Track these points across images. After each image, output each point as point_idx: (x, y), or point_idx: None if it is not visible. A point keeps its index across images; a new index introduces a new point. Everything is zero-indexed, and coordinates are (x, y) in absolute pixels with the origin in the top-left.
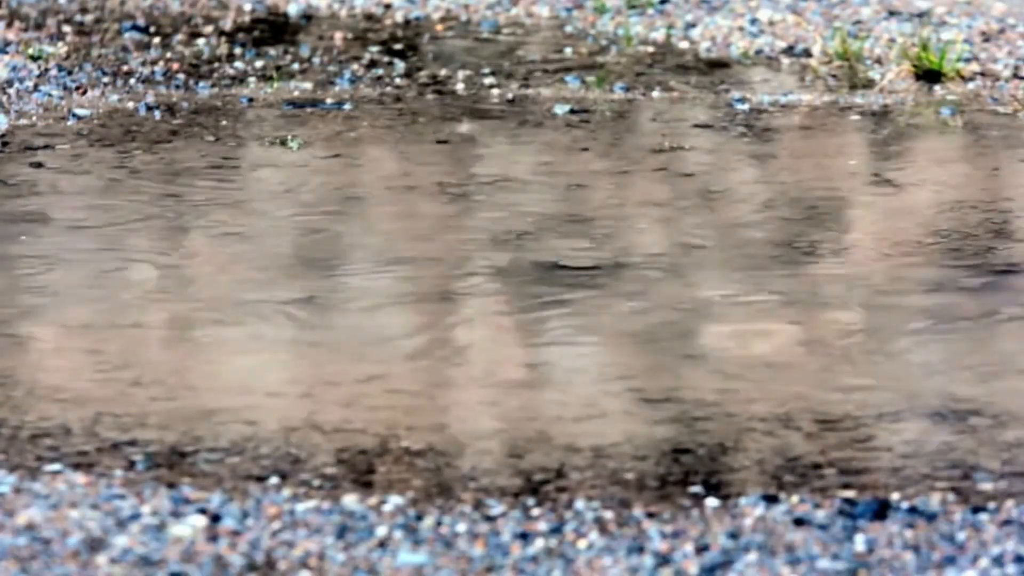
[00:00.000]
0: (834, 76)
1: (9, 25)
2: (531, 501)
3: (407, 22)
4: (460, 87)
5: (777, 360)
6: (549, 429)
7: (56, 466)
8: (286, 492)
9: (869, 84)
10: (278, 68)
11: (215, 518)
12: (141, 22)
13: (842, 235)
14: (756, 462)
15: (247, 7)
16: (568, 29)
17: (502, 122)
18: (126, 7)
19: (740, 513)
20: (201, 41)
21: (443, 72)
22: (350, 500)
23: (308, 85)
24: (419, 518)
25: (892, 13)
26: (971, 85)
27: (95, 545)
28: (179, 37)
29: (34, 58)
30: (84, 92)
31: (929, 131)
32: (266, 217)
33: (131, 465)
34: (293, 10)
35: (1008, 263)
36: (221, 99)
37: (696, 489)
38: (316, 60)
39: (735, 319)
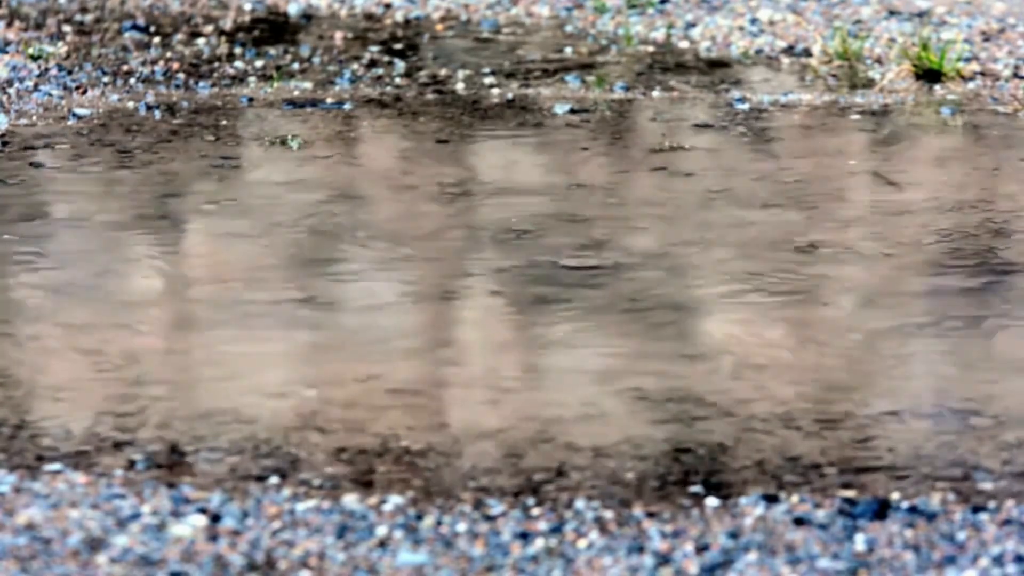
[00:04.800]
0: (834, 76)
1: (9, 25)
2: (531, 501)
3: (407, 22)
4: (460, 87)
5: (777, 360)
6: (549, 429)
7: (56, 466)
8: (286, 492)
9: (869, 84)
10: (278, 68)
11: (215, 518)
12: (141, 22)
13: (842, 235)
14: (756, 462)
15: (247, 7)
16: (568, 29)
17: (502, 122)
18: (126, 7)
19: (740, 513)
20: (201, 41)
21: (443, 72)
22: (350, 500)
23: (308, 85)
24: (419, 518)
25: (892, 13)
26: (971, 85)
27: (95, 545)
28: (179, 37)
29: (34, 58)
30: (84, 92)
31: (929, 131)
32: (266, 217)
33: (131, 465)
34: (293, 10)
35: (1008, 263)
36: (221, 99)
37: (696, 489)
38: (316, 60)
39: (735, 319)
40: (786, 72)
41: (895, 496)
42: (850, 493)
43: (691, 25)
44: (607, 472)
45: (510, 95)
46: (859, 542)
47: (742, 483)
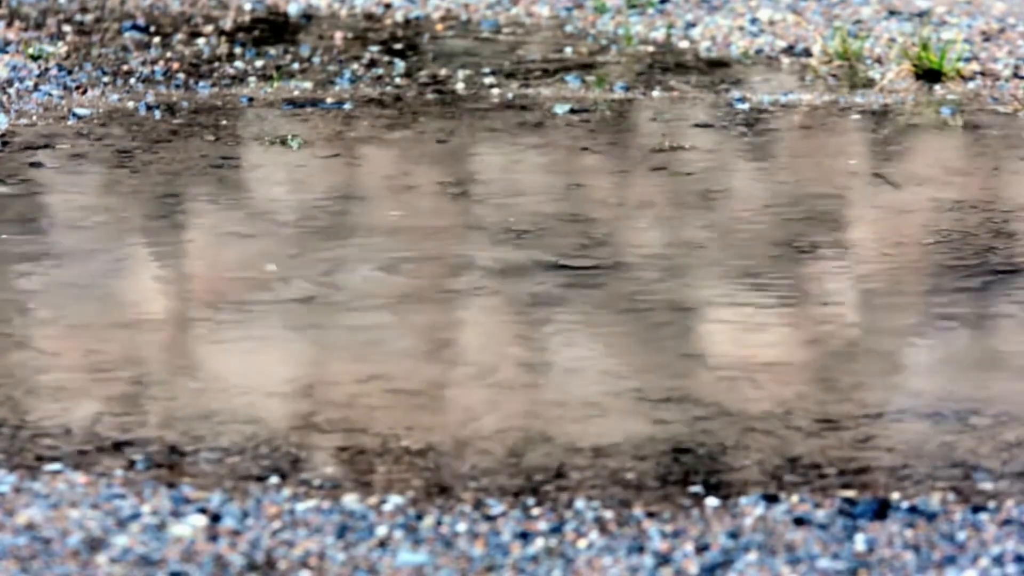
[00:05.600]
0: (834, 76)
1: (9, 24)
2: (531, 501)
3: (407, 22)
4: (460, 87)
5: (777, 360)
6: (549, 429)
7: (56, 466)
8: (286, 492)
9: (869, 84)
10: (278, 68)
11: (215, 518)
12: (141, 22)
13: (842, 235)
14: (756, 462)
15: (247, 7)
16: (568, 29)
17: (502, 122)
18: (126, 7)
19: (740, 513)
20: (201, 41)
21: (443, 72)
22: (350, 500)
23: (308, 84)
24: (419, 518)
25: (892, 13)
26: (971, 85)
27: (95, 545)
28: (179, 37)
29: (34, 57)
30: (84, 92)
31: (929, 131)
32: (266, 217)
33: (131, 465)
34: (293, 10)
35: (1008, 263)
36: (221, 99)
37: (696, 489)
38: (316, 60)
39: (735, 319)
40: (786, 72)
41: (895, 496)
42: (850, 493)
43: (691, 25)
44: (607, 472)
45: (510, 95)
46: (859, 542)
47: (742, 483)
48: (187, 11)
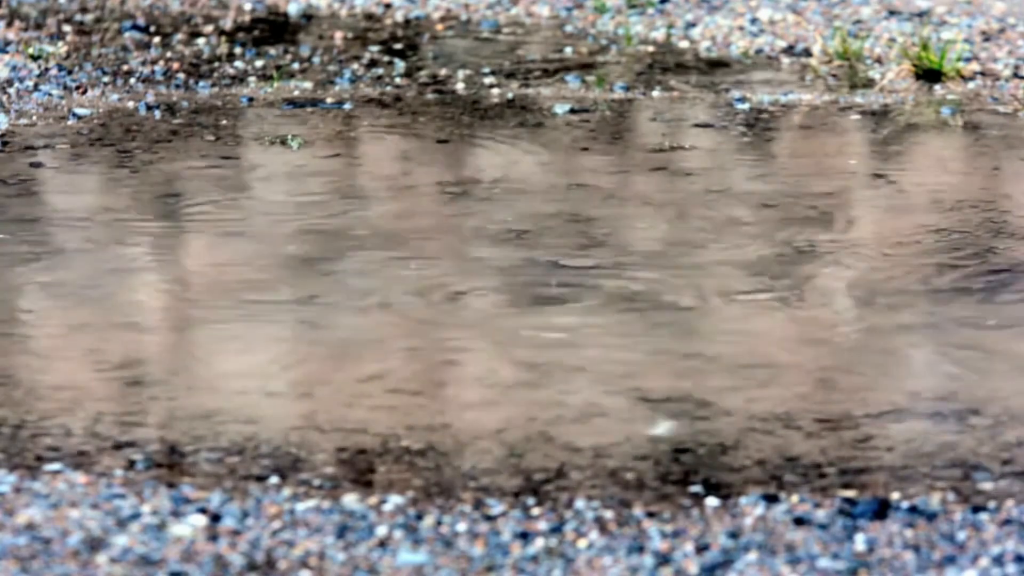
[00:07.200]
0: (834, 76)
1: (9, 24)
2: (531, 501)
3: (407, 22)
4: (460, 87)
5: (777, 360)
6: (549, 429)
7: (56, 466)
8: (286, 492)
9: (869, 84)
10: (278, 67)
11: (215, 518)
12: (141, 22)
13: (842, 235)
14: (756, 462)
15: (247, 7)
16: (568, 29)
17: (502, 122)
18: (126, 7)
19: (740, 512)
20: (201, 41)
21: (443, 72)
22: (350, 500)
23: (308, 84)
24: (419, 518)
25: (892, 12)
26: (971, 85)
27: (95, 544)
28: (179, 37)
29: (34, 57)
30: (84, 91)
31: (929, 131)
32: (266, 217)
33: (131, 465)
34: (293, 10)
35: (1008, 263)
36: (221, 98)
37: (696, 489)
38: (316, 59)
39: (735, 318)
40: (786, 72)
41: (895, 496)
42: (850, 493)
43: (691, 25)
44: (607, 472)
45: (510, 95)
46: (859, 542)
47: (742, 483)
48: (187, 11)
